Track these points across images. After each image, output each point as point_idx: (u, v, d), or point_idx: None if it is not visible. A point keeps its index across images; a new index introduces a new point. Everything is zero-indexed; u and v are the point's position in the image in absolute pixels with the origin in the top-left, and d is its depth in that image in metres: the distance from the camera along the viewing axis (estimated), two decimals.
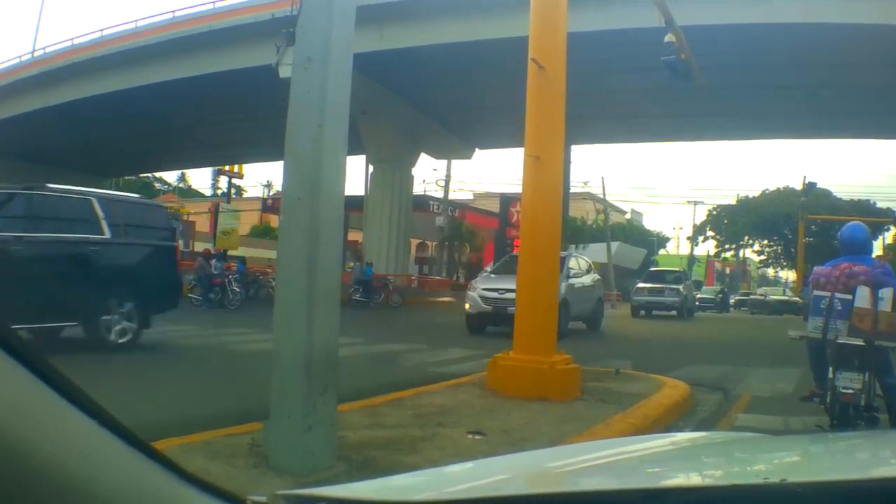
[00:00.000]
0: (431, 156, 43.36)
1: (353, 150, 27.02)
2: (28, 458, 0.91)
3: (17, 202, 10.27)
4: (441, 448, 5.22)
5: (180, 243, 37.82)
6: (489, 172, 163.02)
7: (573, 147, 36.91)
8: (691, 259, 78.62)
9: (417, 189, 43.73)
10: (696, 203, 75.18)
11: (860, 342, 5.84)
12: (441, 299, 37.58)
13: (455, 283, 44.52)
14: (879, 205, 61.42)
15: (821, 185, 55.96)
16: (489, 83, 28.92)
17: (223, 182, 51.11)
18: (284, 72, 5.23)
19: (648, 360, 11.87)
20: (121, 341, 10.89)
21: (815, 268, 6.76)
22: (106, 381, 6.42)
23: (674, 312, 31.86)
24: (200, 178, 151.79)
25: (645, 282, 33.38)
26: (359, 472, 4.31)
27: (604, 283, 49.37)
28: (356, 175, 39.52)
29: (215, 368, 10.58)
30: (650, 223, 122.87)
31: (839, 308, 5.96)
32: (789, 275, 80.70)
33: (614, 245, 59.55)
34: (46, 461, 0.93)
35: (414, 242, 47.56)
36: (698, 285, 50.53)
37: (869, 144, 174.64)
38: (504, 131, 33.13)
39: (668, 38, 12.89)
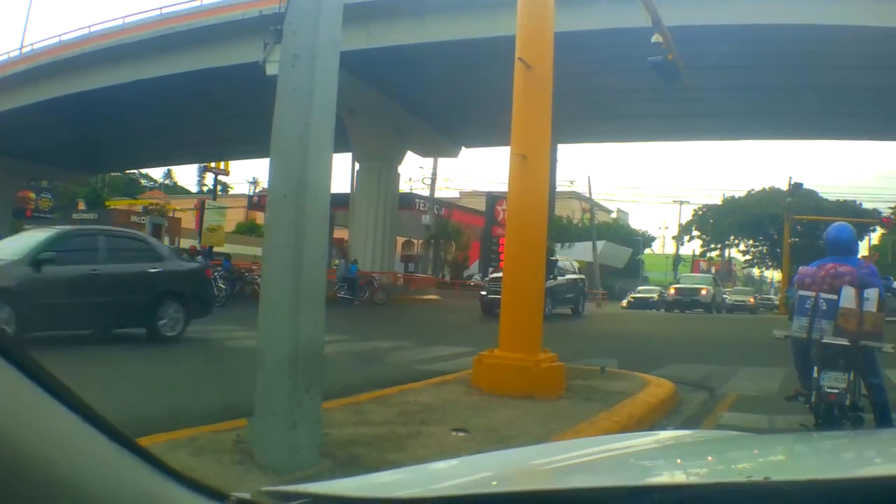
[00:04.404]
0: (418, 154, 43.33)
1: (340, 148, 26.96)
2: (11, 454, 0.90)
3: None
4: (426, 446, 5.22)
5: (165, 240, 37.83)
6: (476, 170, 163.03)
7: (560, 146, 36.93)
8: (676, 258, 78.93)
9: (403, 187, 43.70)
10: (682, 203, 75.56)
11: (845, 342, 5.87)
12: (426, 297, 37.50)
13: (441, 281, 44.43)
14: (865, 205, 61.92)
15: (807, 185, 56.04)
16: (476, 82, 28.89)
17: (209, 179, 51.03)
18: (271, 69, 5.23)
19: (634, 359, 11.88)
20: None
21: (800, 268, 6.77)
22: (93, 378, 6.38)
23: None
24: (186, 175, 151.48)
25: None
26: (343, 469, 4.31)
27: (589, 281, 49.63)
28: (342, 173, 39.46)
29: (201, 365, 10.57)
30: (636, 222, 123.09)
31: (824, 308, 5.99)
32: (774, 275, 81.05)
33: (600, 244, 59.80)
34: (30, 457, 0.92)
35: (400, 240, 47.43)
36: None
37: (855, 145, 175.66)
38: (491, 130, 33.12)
39: (656, 38, 12.91)
